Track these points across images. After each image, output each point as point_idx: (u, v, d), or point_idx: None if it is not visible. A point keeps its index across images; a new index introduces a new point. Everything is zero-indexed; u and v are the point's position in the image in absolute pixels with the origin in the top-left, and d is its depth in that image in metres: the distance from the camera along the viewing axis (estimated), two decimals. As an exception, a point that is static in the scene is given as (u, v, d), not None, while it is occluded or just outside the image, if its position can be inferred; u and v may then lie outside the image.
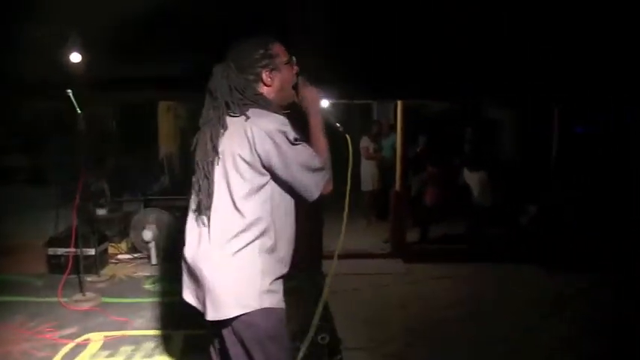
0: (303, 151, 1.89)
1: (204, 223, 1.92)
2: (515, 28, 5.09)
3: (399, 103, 6.93)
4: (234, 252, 1.86)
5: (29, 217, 5.02)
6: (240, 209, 1.86)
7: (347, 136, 2.18)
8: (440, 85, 5.61)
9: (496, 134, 9.60)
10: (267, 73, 1.97)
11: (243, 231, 1.86)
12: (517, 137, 9.35)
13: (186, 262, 2.00)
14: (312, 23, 4.40)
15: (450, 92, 5.99)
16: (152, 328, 3.24)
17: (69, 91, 3.51)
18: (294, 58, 2.06)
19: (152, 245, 4.40)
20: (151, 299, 3.69)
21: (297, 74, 2.07)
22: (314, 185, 1.92)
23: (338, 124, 2.14)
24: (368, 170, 8.27)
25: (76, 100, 3.60)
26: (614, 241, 6.26)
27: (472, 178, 7.20)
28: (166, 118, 8.87)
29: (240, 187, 1.86)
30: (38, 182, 5.68)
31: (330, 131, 2.11)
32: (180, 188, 7.99)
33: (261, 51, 1.96)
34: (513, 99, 7.07)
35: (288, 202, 1.98)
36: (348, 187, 2.15)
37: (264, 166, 1.86)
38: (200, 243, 1.93)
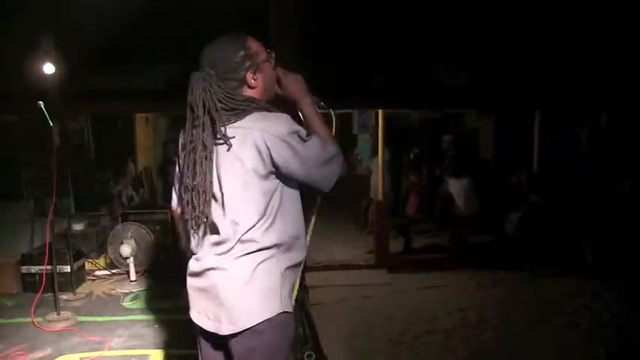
0: (316, 145, 1.81)
1: (210, 235, 1.86)
2: (498, 35, 5.10)
3: (380, 112, 6.91)
4: (251, 259, 1.80)
5: (1, 233, 4.86)
6: (252, 222, 1.79)
7: (331, 111, 2.09)
8: (422, 94, 5.59)
9: (477, 142, 9.66)
10: (251, 74, 1.85)
11: (256, 242, 1.80)
12: (498, 145, 9.40)
13: (193, 275, 1.92)
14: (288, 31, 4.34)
15: (433, 101, 5.98)
16: (130, 348, 3.11)
17: (40, 103, 3.38)
18: (272, 54, 1.96)
19: (131, 261, 4.27)
20: (129, 317, 3.55)
21: (275, 67, 1.97)
22: (331, 175, 1.86)
23: (321, 102, 2.03)
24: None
25: (48, 112, 3.47)
26: (598, 246, 6.29)
27: (455, 187, 7.19)
28: (144, 131, 8.75)
29: (250, 202, 1.79)
30: (10, 197, 5.51)
31: None
32: (159, 201, 7.89)
33: (242, 53, 1.84)
34: (495, 106, 7.10)
35: (297, 203, 1.92)
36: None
37: (281, 173, 1.80)
38: (209, 254, 1.86)
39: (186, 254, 2.02)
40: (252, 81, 1.86)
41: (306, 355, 2.74)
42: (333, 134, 2.02)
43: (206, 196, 1.80)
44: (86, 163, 7.21)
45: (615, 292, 5.69)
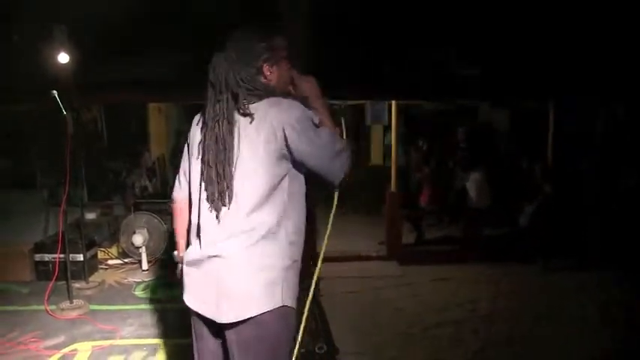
0: (327, 135, 1.87)
1: (216, 220, 1.84)
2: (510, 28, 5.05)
3: (394, 103, 6.86)
4: (255, 249, 1.80)
5: (15, 222, 4.90)
6: (260, 203, 1.80)
7: (342, 118, 2.10)
8: (435, 85, 5.55)
9: (491, 135, 9.59)
10: (268, 66, 1.92)
11: (262, 226, 1.80)
12: (511, 137, 9.33)
13: (193, 263, 1.91)
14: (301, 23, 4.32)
15: (447, 93, 5.94)
16: (142, 337, 3.13)
17: (54, 92, 3.42)
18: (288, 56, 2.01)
19: (143, 250, 4.31)
20: (141, 306, 3.59)
21: (289, 68, 2.01)
22: (340, 168, 1.90)
23: (333, 105, 2.07)
24: None
25: (62, 102, 3.50)
26: (612, 239, 6.23)
27: (469, 180, 7.15)
28: (157, 120, 8.78)
29: (260, 182, 1.79)
30: (24, 186, 5.56)
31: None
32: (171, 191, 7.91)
33: (264, 44, 1.91)
34: (508, 98, 7.04)
35: (303, 194, 1.94)
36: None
37: (294, 158, 1.83)
38: (212, 241, 1.85)
39: (178, 254, 2.05)
40: (268, 73, 1.92)
41: (317, 347, 2.75)
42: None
43: (231, 170, 1.81)
44: (99, 151, 7.25)
45: (626, 285, 5.64)
